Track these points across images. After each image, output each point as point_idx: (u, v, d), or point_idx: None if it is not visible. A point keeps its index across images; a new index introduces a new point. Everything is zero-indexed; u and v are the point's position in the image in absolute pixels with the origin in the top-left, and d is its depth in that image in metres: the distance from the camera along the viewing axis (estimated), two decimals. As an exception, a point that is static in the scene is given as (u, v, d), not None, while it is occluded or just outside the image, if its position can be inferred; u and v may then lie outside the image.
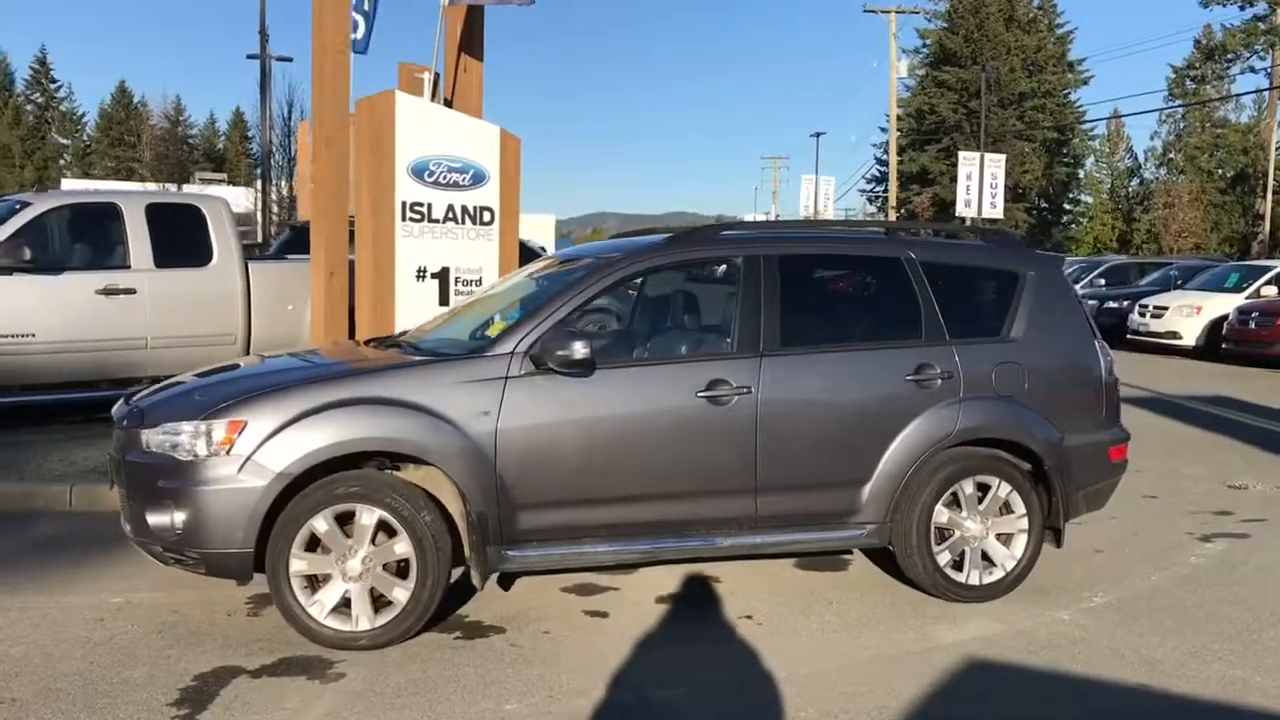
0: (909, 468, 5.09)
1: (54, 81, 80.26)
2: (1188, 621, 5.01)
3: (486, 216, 8.98)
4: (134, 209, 9.40)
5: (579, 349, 4.57)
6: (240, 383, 4.77)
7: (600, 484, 4.74)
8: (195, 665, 4.28)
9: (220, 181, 49.96)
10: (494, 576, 5.17)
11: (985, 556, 5.29)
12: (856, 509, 5.10)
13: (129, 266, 9.19)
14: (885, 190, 55.78)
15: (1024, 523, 5.30)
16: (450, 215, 9.25)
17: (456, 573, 4.76)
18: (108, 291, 9.00)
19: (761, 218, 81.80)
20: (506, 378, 4.63)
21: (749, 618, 4.99)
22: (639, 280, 5.60)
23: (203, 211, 9.77)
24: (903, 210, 53.49)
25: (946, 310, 5.30)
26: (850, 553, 5.92)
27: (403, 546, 4.49)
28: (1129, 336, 20.05)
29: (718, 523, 4.96)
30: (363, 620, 4.48)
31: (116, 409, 4.98)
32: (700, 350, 5.28)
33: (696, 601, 5.21)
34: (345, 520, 4.49)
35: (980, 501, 5.26)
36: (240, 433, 4.37)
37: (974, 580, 5.24)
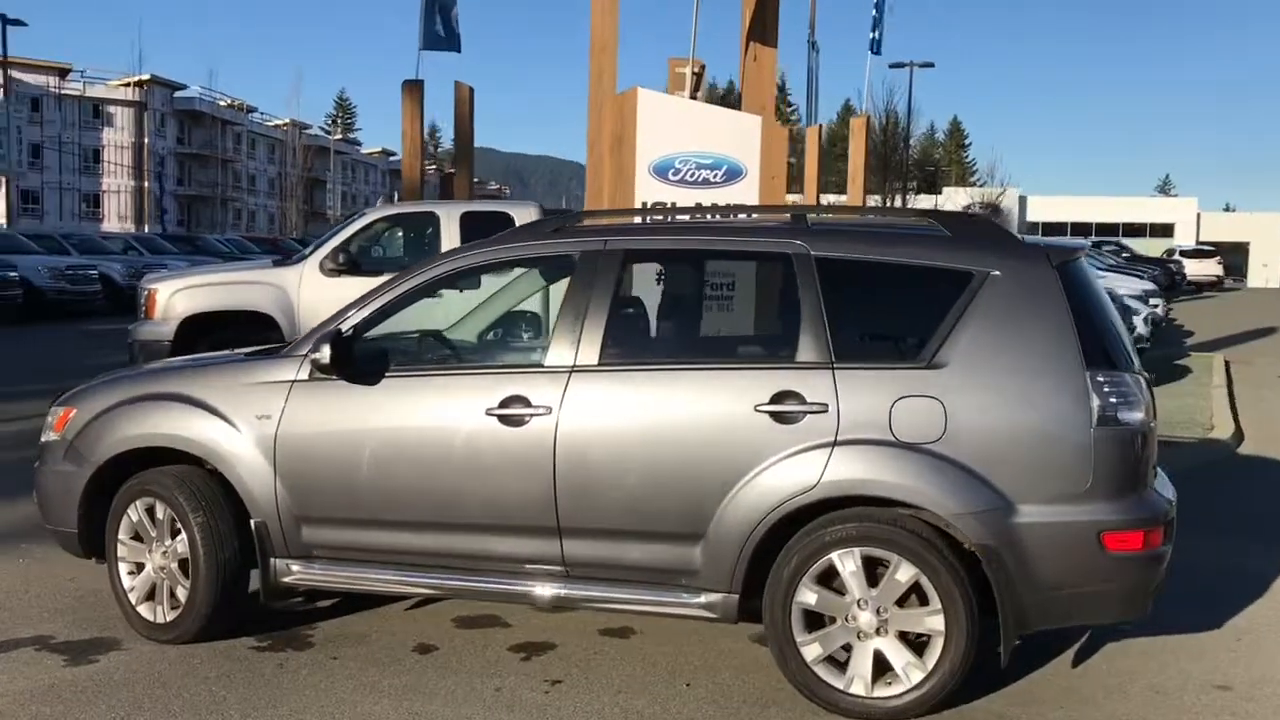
0: (755, 525, 3.90)
1: (789, 105, 78.62)
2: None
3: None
4: (450, 217, 10.42)
5: (325, 353, 4.20)
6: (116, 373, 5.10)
7: (376, 504, 4.31)
8: (24, 631, 4.68)
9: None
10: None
11: (882, 660, 3.89)
12: (689, 570, 4.03)
13: None
14: None
15: (938, 621, 3.80)
16: (698, 215, 8.89)
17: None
18: None
19: None
20: (293, 382, 4.41)
21: (558, 683, 4.21)
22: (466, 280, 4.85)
23: (514, 218, 10.50)
24: None
25: (840, 322, 3.96)
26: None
27: (183, 545, 4.48)
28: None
29: (519, 563, 4.24)
30: (160, 614, 4.56)
31: None
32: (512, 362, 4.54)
33: (546, 653, 4.50)
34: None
35: (873, 584, 3.87)
36: (68, 421, 4.69)
37: (857, 689, 3.87)
